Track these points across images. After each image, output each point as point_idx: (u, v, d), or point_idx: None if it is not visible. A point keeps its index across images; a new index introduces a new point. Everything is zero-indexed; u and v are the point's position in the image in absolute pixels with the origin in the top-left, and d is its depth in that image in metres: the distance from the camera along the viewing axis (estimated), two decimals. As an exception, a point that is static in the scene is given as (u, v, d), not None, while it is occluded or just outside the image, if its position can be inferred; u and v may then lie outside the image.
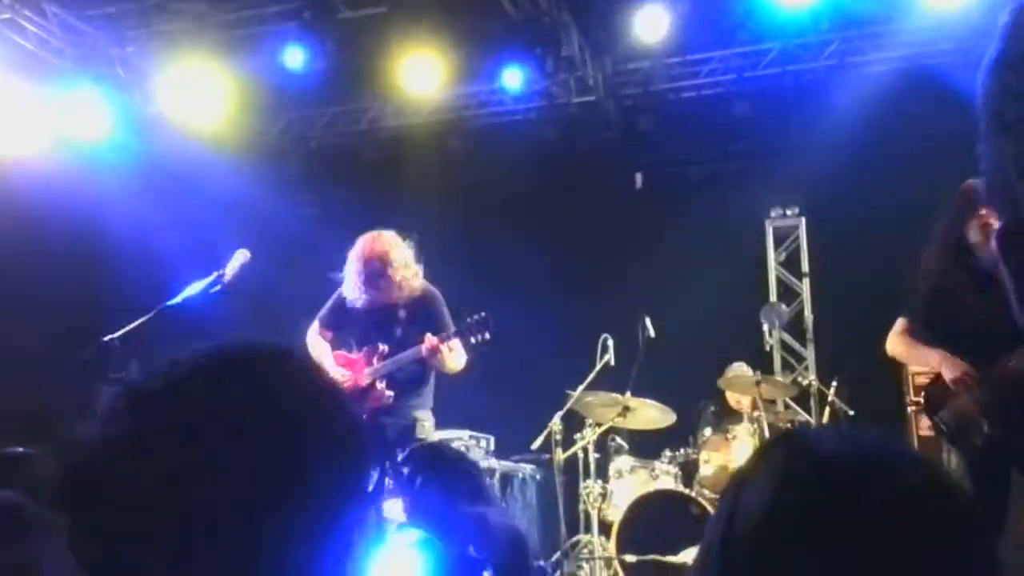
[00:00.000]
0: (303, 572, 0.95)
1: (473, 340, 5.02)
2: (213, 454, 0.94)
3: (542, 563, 5.17)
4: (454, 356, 5.12)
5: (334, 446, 1.00)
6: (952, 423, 4.06)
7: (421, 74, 7.49)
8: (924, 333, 4.25)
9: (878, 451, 0.87)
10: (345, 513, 0.98)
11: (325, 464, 0.98)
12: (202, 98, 7.52)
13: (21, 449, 3.31)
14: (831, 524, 0.81)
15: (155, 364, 1.03)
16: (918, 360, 4.38)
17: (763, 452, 0.91)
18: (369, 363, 5.17)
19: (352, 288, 5.19)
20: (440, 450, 1.53)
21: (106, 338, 4.36)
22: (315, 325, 5.39)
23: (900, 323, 4.35)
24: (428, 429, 5.21)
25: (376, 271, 5.08)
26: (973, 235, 4.04)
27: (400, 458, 1.60)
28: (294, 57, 7.33)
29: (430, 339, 4.97)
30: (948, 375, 4.03)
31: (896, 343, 4.34)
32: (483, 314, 5.03)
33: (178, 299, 4.62)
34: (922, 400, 4.36)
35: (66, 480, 0.97)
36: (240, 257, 4.94)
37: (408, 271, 5.15)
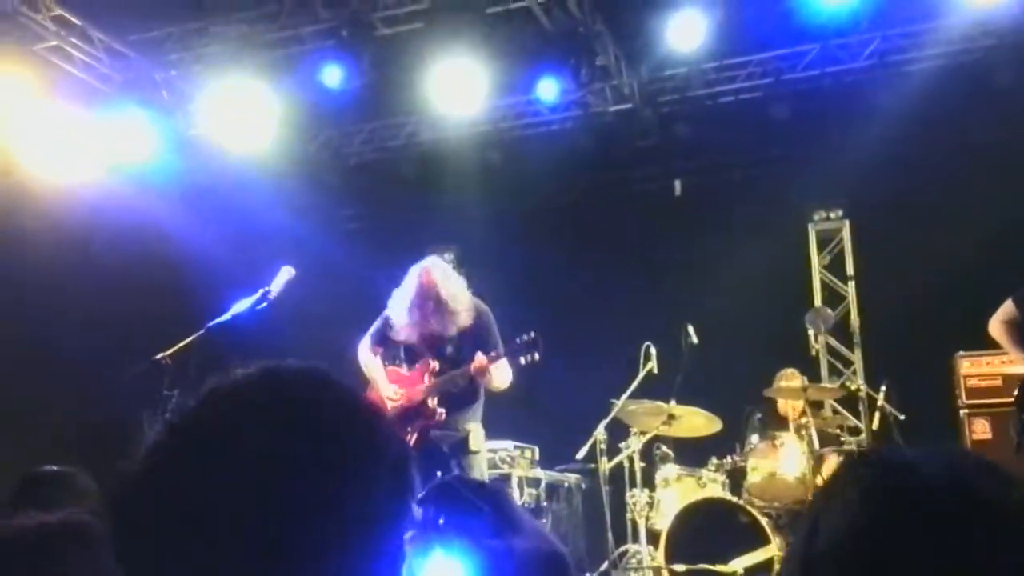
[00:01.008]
0: None
1: (523, 361, 5.06)
2: (255, 481, 0.95)
3: (588, 576, 5.13)
4: (501, 374, 5.15)
5: (378, 471, 1.01)
6: None
7: (457, 88, 7.53)
8: None
9: (973, 473, 0.83)
10: (389, 540, 1.00)
11: (372, 490, 0.99)
12: (243, 118, 7.64)
13: (55, 468, 3.38)
14: (921, 550, 0.77)
15: (200, 389, 1.05)
16: (1012, 347, 4.28)
17: (849, 469, 0.88)
18: (421, 380, 5.20)
19: (402, 320, 5.19)
20: (454, 488, 1.51)
21: (157, 356, 4.44)
22: (366, 340, 5.43)
23: (1007, 308, 4.26)
24: (480, 441, 5.24)
25: (430, 309, 5.09)
26: None
27: (419, 498, 1.60)
28: (332, 75, 7.42)
29: (480, 358, 5.00)
30: None
31: (1001, 329, 4.27)
32: (532, 335, 5.06)
33: (226, 316, 4.69)
34: (1016, 395, 4.28)
35: (113, 502, 1.00)
36: (285, 274, 5.00)
37: (461, 303, 5.13)
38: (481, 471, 5.30)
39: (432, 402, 5.12)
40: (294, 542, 0.94)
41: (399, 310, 5.19)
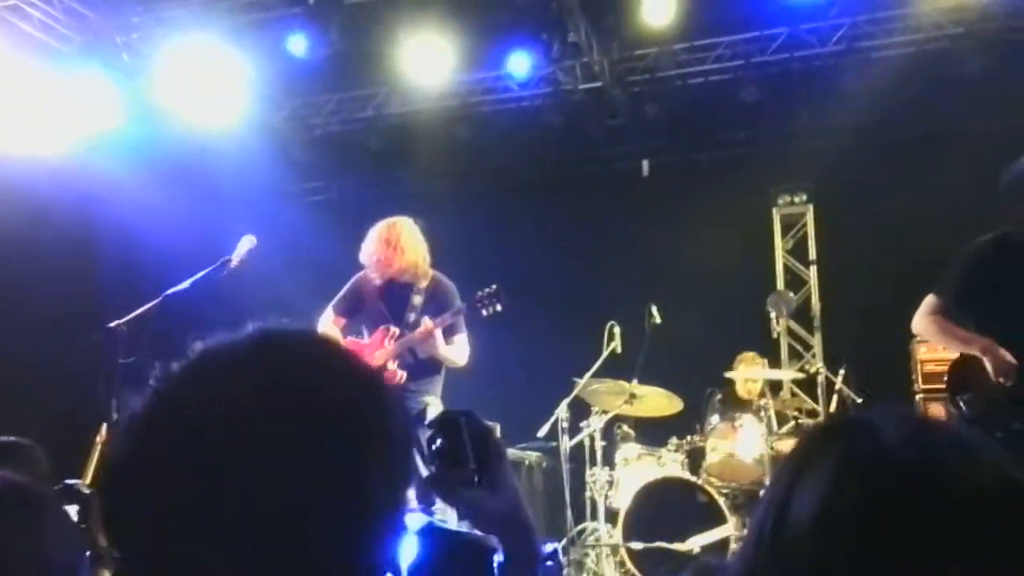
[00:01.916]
0: (355, 557, 0.94)
1: (484, 312, 5.09)
2: (254, 445, 0.91)
3: (557, 547, 5.14)
4: (453, 349, 5.17)
5: (382, 441, 0.98)
6: (978, 410, 4.01)
7: (427, 61, 7.45)
8: (955, 315, 4.14)
9: (945, 441, 0.81)
10: (392, 503, 0.97)
11: (375, 461, 0.96)
12: (207, 84, 7.49)
13: (13, 438, 3.32)
14: (896, 522, 0.75)
15: (188, 354, 1.01)
16: (956, 343, 4.23)
17: (820, 438, 0.85)
18: (381, 345, 5.21)
19: (368, 261, 5.33)
20: (456, 429, 1.46)
21: (111, 324, 4.36)
22: (328, 312, 5.44)
23: (930, 302, 4.23)
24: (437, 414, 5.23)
25: (389, 249, 5.23)
26: None
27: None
28: (298, 44, 7.30)
29: (426, 322, 5.07)
30: (992, 364, 3.94)
31: (927, 323, 4.22)
32: (494, 287, 5.10)
33: (184, 285, 4.61)
34: (945, 381, 4.29)
35: (106, 465, 0.96)
36: (247, 243, 4.93)
37: (420, 255, 5.27)
38: None
39: (392, 365, 5.14)
40: (294, 513, 0.90)
41: (365, 256, 5.32)
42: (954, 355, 4.33)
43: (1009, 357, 3.91)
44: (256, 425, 0.92)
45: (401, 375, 5.13)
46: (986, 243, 4.07)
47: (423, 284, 5.33)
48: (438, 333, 5.10)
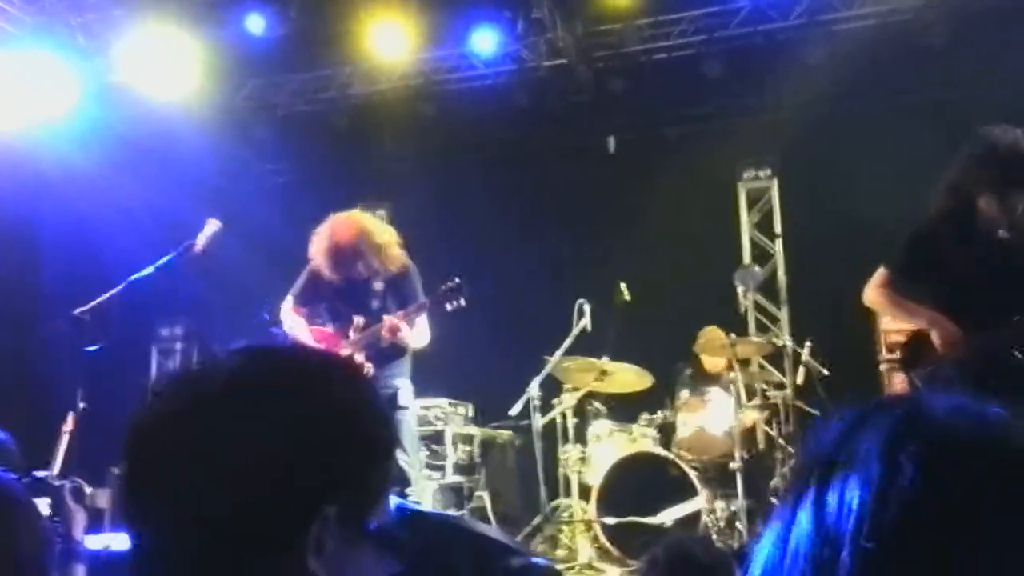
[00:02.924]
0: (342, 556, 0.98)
1: (448, 307, 5.02)
2: (264, 440, 0.96)
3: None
4: (416, 334, 5.13)
5: (369, 440, 1.03)
6: (928, 383, 4.06)
7: (390, 39, 7.36)
8: (905, 287, 4.18)
9: (999, 423, 0.74)
10: (377, 502, 1.02)
11: (366, 458, 1.02)
12: (165, 65, 7.34)
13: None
14: (950, 506, 0.69)
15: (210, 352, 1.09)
16: (904, 315, 4.28)
17: (856, 422, 0.77)
18: (345, 336, 5.14)
19: (323, 269, 5.15)
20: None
21: (75, 312, 4.28)
22: (288, 300, 5.33)
23: (881, 274, 4.27)
24: (408, 397, 5.20)
25: (348, 257, 5.07)
26: (983, 202, 3.93)
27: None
28: (256, 22, 7.17)
29: (388, 320, 4.98)
30: (940, 336, 3.98)
31: (877, 295, 4.26)
32: (456, 280, 5.03)
33: (148, 270, 4.54)
34: (899, 354, 4.34)
35: (128, 439, 1.00)
36: (211, 227, 4.86)
37: (390, 247, 5.13)
38: (410, 428, 5.26)
39: (359, 357, 5.06)
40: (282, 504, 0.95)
41: (318, 256, 5.14)
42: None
43: (955, 328, 3.95)
44: (251, 425, 0.97)
45: (368, 367, 5.05)
46: (937, 219, 4.10)
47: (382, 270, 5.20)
48: (403, 328, 5.03)
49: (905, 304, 4.18)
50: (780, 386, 7.61)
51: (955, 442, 0.72)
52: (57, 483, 3.52)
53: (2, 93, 7.24)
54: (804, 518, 0.74)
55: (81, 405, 4.22)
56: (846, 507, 0.72)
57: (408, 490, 4.92)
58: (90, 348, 4.17)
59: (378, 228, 5.24)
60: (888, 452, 0.72)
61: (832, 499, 0.73)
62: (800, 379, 6.74)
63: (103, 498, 4.05)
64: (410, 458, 5.07)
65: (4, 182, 7.09)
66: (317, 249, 5.16)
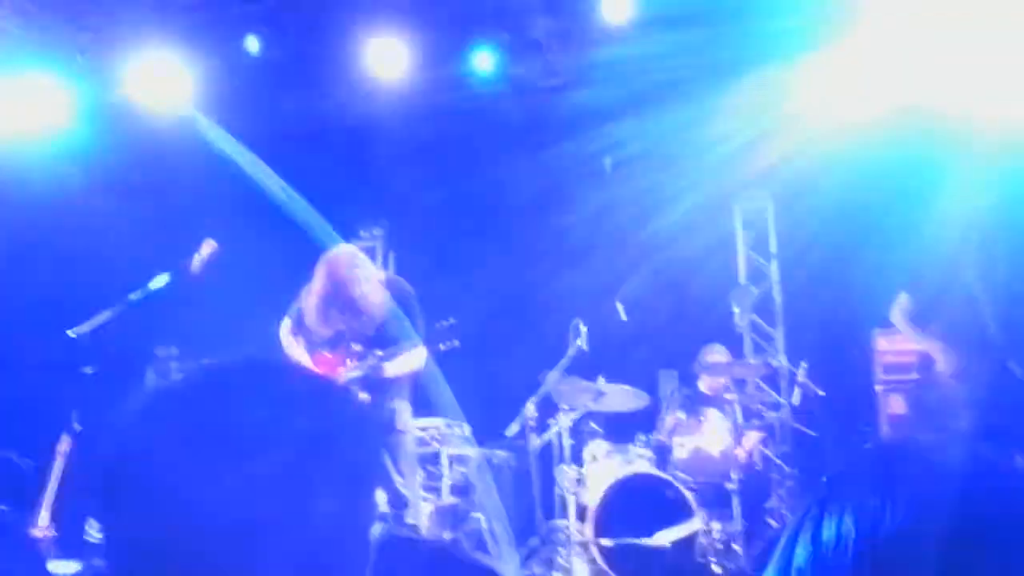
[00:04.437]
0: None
1: (442, 347, 5.04)
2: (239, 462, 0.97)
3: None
4: (411, 359, 5.10)
5: (350, 464, 1.03)
6: (932, 405, 4.09)
7: (387, 59, 7.39)
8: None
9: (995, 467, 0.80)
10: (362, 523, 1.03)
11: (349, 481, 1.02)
12: (161, 85, 7.36)
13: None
14: (948, 542, 0.73)
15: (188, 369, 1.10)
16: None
17: (876, 463, 0.82)
18: (343, 363, 5.11)
19: (315, 323, 5.09)
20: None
21: (71, 332, 4.27)
22: (287, 323, 5.30)
23: (903, 299, 4.37)
24: (406, 419, 5.19)
25: (341, 308, 4.99)
26: None
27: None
28: (253, 43, 7.21)
29: (375, 361, 4.96)
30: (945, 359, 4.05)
31: (904, 319, 4.37)
32: (451, 320, 5.04)
33: (145, 290, 4.54)
34: (913, 375, 4.41)
35: (105, 462, 1.00)
36: (207, 248, 4.86)
37: (374, 301, 5.02)
38: (407, 450, 5.25)
39: (354, 386, 5.01)
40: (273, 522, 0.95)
41: (311, 311, 5.05)
42: (913, 347, 4.43)
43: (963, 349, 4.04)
44: (242, 445, 0.97)
45: (365, 396, 4.99)
46: None
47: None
48: (388, 367, 5.01)
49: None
50: (776, 406, 7.62)
51: (940, 488, 0.77)
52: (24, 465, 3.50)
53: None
54: (801, 550, 0.80)
55: (76, 427, 4.20)
56: (842, 539, 0.77)
57: (405, 512, 4.90)
58: (85, 369, 4.16)
59: (364, 266, 5.13)
60: (883, 489, 0.77)
61: (828, 531, 0.78)
62: (796, 400, 6.75)
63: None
64: (407, 480, 5.05)
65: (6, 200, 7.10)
66: (310, 304, 5.10)
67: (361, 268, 5.06)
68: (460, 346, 5.08)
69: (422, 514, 5.70)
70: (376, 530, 1.08)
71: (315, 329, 5.13)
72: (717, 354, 6.86)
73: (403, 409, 5.17)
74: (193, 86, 7.48)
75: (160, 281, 4.68)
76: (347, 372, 5.07)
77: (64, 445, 4.23)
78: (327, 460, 0.99)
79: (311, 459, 0.98)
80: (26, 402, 6.13)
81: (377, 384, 5.07)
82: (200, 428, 0.98)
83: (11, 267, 7.22)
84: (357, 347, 5.11)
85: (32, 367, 6.38)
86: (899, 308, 4.58)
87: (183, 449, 0.96)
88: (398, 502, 4.75)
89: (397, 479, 5.05)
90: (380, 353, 4.97)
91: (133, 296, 4.61)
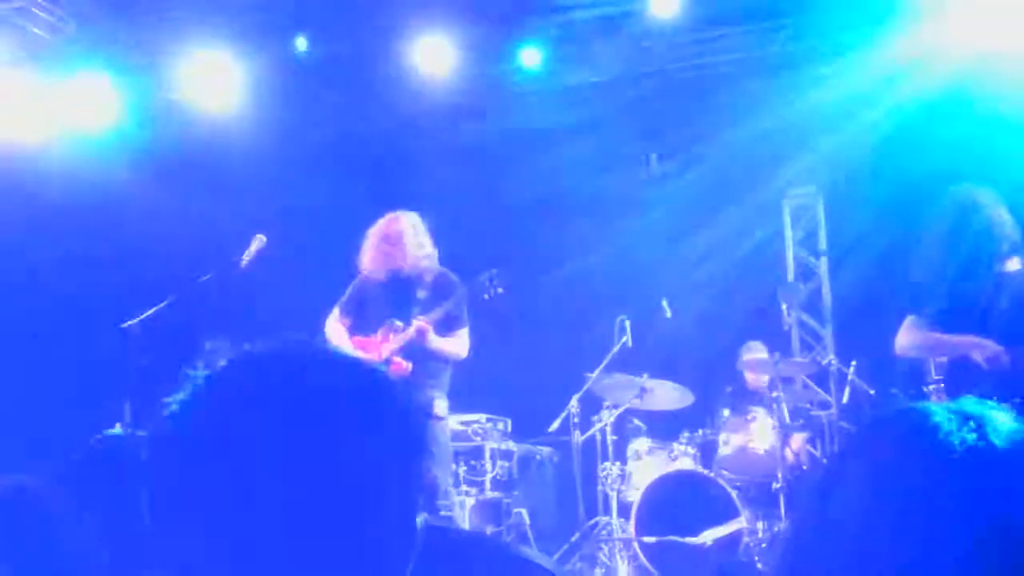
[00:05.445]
0: (374, 559, 1.00)
1: (486, 296, 5.11)
2: (281, 446, 0.97)
3: None
4: (453, 343, 5.21)
5: (396, 440, 1.04)
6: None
7: (434, 56, 7.43)
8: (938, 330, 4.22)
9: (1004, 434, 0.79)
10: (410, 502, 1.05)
11: (395, 456, 1.04)
12: (212, 83, 7.49)
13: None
14: (953, 508, 0.74)
15: (225, 356, 1.10)
16: (945, 348, 4.32)
17: (871, 430, 0.84)
18: (386, 339, 5.21)
19: (368, 262, 5.31)
20: None
21: (125, 324, 4.37)
22: (334, 312, 5.44)
23: (911, 321, 4.31)
24: (443, 410, 5.24)
25: (390, 244, 5.25)
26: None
27: None
28: (304, 42, 7.30)
29: (416, 321, 5.07)
30: (983, 355, 3.99)
31: (912, 338, 4.29)
32: (494, 270, 5.12)
33: (196, 285, 4.63)
34: (942, 383, 4.34)
35: (148, 451, 1.04)
36: (256, 243, 4.95)
37: (421, 249, 5.27)
38: (440, 441, 5.28)
39: (397, 357, 5.13)
40: (308, 505, 0.96)
41: (366, 250, 5.34)
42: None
43: (995, 346, 3.97)
44: (282, 430, 0.98)
45: (407, 366, 5.10)
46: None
47: (428, 278, 5.32)
48: (431, 330, 5.09)
49: (941, 338, 4.21)
50: (825, 405, 7.51)
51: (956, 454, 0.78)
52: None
53: (54, 110, 7.44)
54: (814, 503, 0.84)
55: (128, 419, 4.30)
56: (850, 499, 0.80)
57: (439, 502, 4.94)
58: (139, 361, 4.25)
59: (419, 229, 5.39)
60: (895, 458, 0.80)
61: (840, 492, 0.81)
62: (846, 399, 6.64)
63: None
64: (440, 471, 5.09)
65: (54, 197, 7.28)
66: (367, 244, 5.33)
67: (417, 228, 5.34)
68: (504, 293, 5.14)
69: (464, 508, 5.75)
70: (421, 519, 1.08)
71: (368, 269, 5.30)
72: (756, 351, 6.78)
73: (440, 400, 5.21)
74: (243, 85, 7.59)
75: (211, 276, 4.78)
76: (390, 345, 5.16)
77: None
78: (371, 440, 1.00)
79: (351, 442, 0.99)
80: (79, 394, 6.28)
81: (418, 367, 5.13)
82: (243, 412, 0.99)
83: (67, 262, 7.41)
84: (399, 323, 5.19)
85: (86, 361, 6.54)
86: (910, 327, 4.52)
87: (230, 433, 0.98)
88: (432, 491, 4.79)
89: (432, 466, 5.09)
90: (423, 318, 5.06)
91: (186, 290, 4.70)
